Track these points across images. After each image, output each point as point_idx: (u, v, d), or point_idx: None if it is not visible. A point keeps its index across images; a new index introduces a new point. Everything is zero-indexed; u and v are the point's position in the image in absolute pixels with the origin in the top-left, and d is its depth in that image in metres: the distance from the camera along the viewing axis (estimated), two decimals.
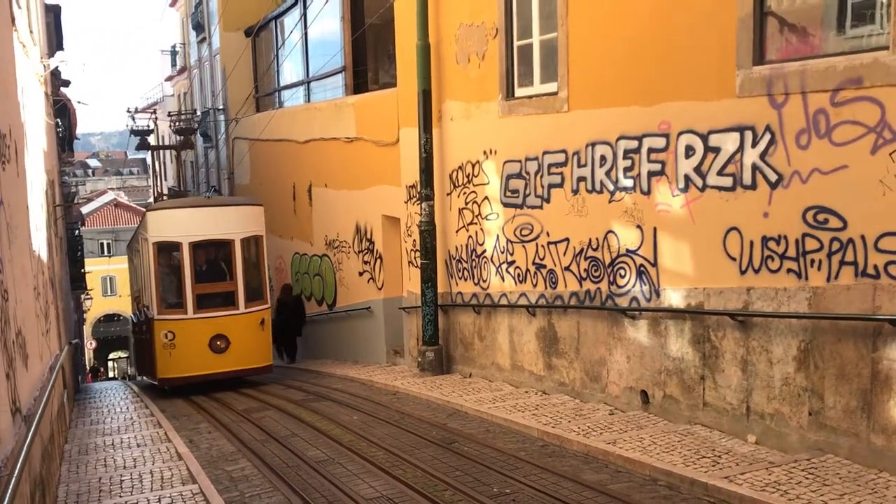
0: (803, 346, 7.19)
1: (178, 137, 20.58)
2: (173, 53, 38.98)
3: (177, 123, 20.87)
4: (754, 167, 7.52)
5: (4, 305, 5.09)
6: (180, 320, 14.19)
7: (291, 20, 20.54)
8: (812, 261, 7.07)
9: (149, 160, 52.25)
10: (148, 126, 21.44)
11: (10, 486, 3.91)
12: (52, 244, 10.96)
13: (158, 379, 14.59)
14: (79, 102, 23.66)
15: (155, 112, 22.26)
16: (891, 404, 6.48)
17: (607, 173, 9.26)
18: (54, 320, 10.22)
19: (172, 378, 14.37)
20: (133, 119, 22.77)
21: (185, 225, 14.37)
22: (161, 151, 24.33)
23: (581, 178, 9.67)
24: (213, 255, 14.72)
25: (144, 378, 18.22)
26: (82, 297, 28.73)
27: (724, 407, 7.99)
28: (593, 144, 9.44)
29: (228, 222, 14.64)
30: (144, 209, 17.20)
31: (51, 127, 13.99)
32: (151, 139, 23.29)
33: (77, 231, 24.65)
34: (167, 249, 14.65)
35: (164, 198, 19.05)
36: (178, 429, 10.57)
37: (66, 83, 19.10)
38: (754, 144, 7.51)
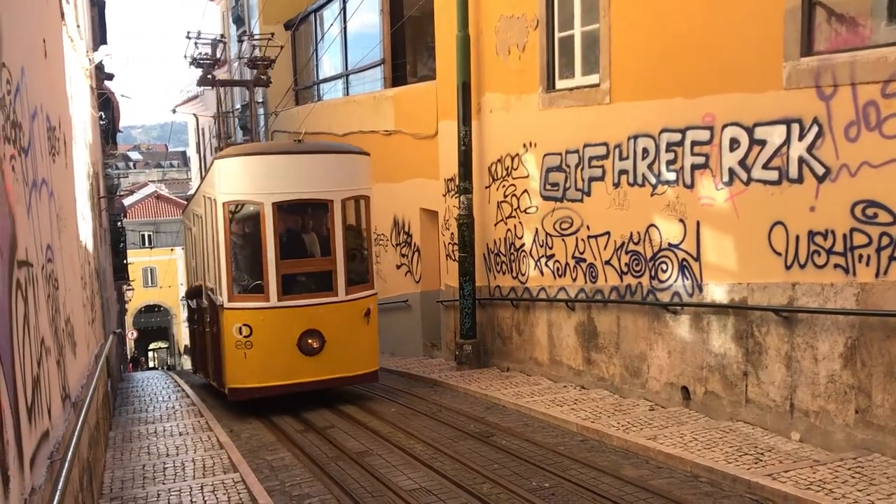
0: (850, 343, 7.06)
1: (251, 71, 15.94)
2: (213, 47, 39.29)
3: (251, 50, 16.49)
4: (801, 160, 7.39)
5: (55, 294, 5.19)
6: (260, 310, 10.20)
7: (331, 13, 20.63)
8: (860, 256, 6.93)
9: (190, 152, 52.77)
10: (211, 56, 15.29)
11: (64, 471, 3.99)
12: (97, 235, 11.15)
13: (229, 389, 10.50)
14: (122, 96, 24.05)
15: (218, 59, 13.25)
16: None
17: (649, 166, 9.16)
18: (99, 310, 10.41)
19: (248, 389, 10.39)
20: (174, 111, 22.87)
21: (269, 178, 10.28)
22: (221, 101, 16.64)
23: (623, 172, 9.58)
24: (305, 221, 11.02)
25: (201, 376, 14.32)
26: (124, 287, 29.21)
27: (767, 404, 7.88)
28: (635, 137, 9.34)
29: (327, 176, 10.56)
30: (213, 157, 11.78)
31: (95, 119, 14.22)
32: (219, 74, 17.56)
33: (119, 222, 25.03)
34: (243, 212, 10.88)
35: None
36: (220, 418, 10.71)
37: (110, 77, 19.38)
38: (801, 137, 7.38)
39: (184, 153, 79.39)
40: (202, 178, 13.24)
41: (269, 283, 10.20)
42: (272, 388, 10.37)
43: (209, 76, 15.01)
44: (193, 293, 13.48)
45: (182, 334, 54.05)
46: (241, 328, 10.18)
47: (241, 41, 25.22)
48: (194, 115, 39.13)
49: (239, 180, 10.33)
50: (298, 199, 10.51)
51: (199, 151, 40.21)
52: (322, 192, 10.53)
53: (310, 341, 10.34)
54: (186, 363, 45.53)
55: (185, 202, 13.02)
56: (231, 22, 31.41)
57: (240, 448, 8.72)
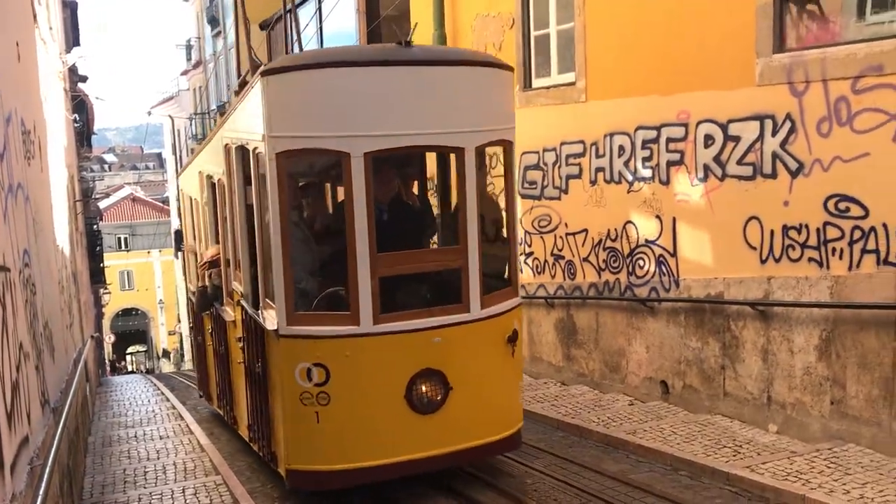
0: (825, 336, 7.17)
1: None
2: (188, 48, 39.16)
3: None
4: (774, 156, 7.49)
5: (33, 299, 5.16)
6: (345, 340, 5.97)
7: (307, 13, 20.58)
8: (833, 249, 7.04)
9: (166, 153, 52.44)
10: None
11: (45, 477, 3.98)
12: (73, 239, 11.08)
13: (288, 472, 6.26)
14: (96, 98, 23.81)
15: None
16: None
17: (626, 163, 9.24)
18: (77, 314, 10.34)
19: (322, 474, 6.18)
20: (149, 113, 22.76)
21: (359, 108, 5.88)
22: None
23: (599, 169, 9.65)
24: (409, 184, 7.60)
25: (216, 407, 10.13)
26: (101, 291, 28.97)
27: (744, 397, 7.98)
28: (611, 135, 9.42)
29: (455, 105, 6.16)
30: (252, 72, 7.05)
31: (69, 122, 14.11)
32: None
33: (95, 226, 24.84)
34: (310, 170, 7.43)
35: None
36: (200, 421, 10.67)
37: (84, 79, 19.25)
38: (774, 133, 7.48)
39: (159, 155, 78.77)
40: (221, 115, 8.83)
41: (358, 293, 5.86)
42: (363, 471, 6.10)
43: None
44: (204, 297, 8.86)
45: (160, 337, 53.75)
46: (310, 371, 5.89)
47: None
48: (170, 116, 38.88)
49: (306, 111, 5.83)
50: (410, 145, 6.15)
51: (174, 153, 39.97)
52: (448, 134, 6.12)
53: (425, 390, 6.07)
54: (165, 366, 45.28)
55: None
56: (206, 22, 31.24)
57: (221, 451, 8.69)
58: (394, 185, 6.91)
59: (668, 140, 8.63)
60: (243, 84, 7.63)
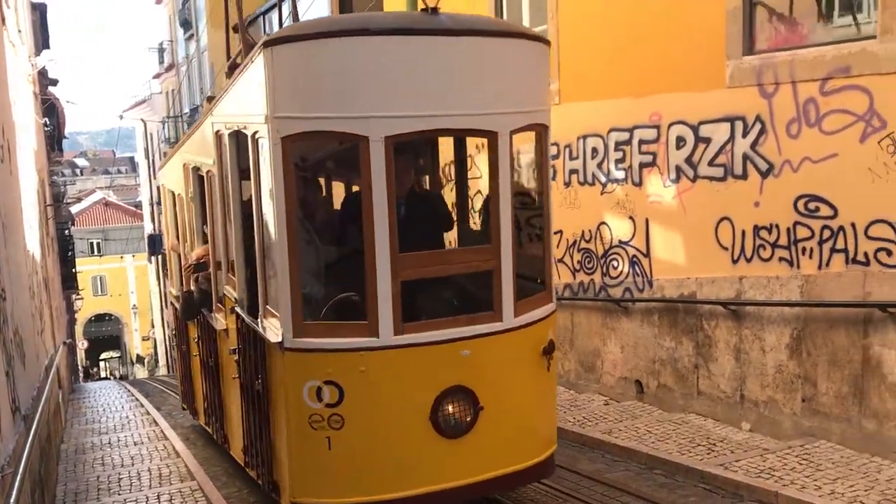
0: (796, 334, 7.27)
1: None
2: (161, 51, 38.88)
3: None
4: (745, 157, 7.58)
5: (2, 305, 5.10)
6: (362, 353, 5.15)
7: (275, 17, 20.51)
8: (803, 249, 7.14)
9: (138, 157, 51.99)
10: None
11: (16, 485, 3.94)
12: (44, 244, 10.96)
13: None
14: (67, 101, 23.59)
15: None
16: (881, 389, 6.56)
17: (599, 165, 9.30)
18: (48, 320, 10.23)
19: None
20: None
21: (377, 85, 4.99)
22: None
23: (573, 171, 9.71)
24: (430, 174, 7.27)
25: (201, 423, 9.53)
26: (73, 296, 28.65)
27: (718, 395, 8.06)
28: (585, 137, 9.48)
29: (487, 83, 5.29)
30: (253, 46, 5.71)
31: (40, 126, 13.96)
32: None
33: (67, 231, 24.57)
34: (321, 157, 6.82)
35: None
36: (175, 426, 10.58)
37: (54, 82, 19.04)
38: (745, 134, 7.57)
39: (132, 159, 78.09)
40: (209, 102, 7.75)
41: (377, 299, 5.04)
42: None
43: None
44: (190, 303, 8.13)
45: (134, 343, 53.25)
46: (320, 390, 5.09)
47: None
48: (142, 120, 38.56)
49: (317, 88, 4.97)
50: (437, 128, 5.47)
51: (147, 157, 39.64)
52: (481, 116, 5.27)
53: (453, 411, 5.26)
54: (139, 372, 44.84)
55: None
56: (178, 25, 31.04)
57: (196, 456, 8.62)
58: (411, 175, 6.17)
59: (641, 142, 8.71)
60: (234, 67, 6.96)
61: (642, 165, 8.72)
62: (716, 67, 7.75)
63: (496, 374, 5.40)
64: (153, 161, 36.63)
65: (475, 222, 7.25)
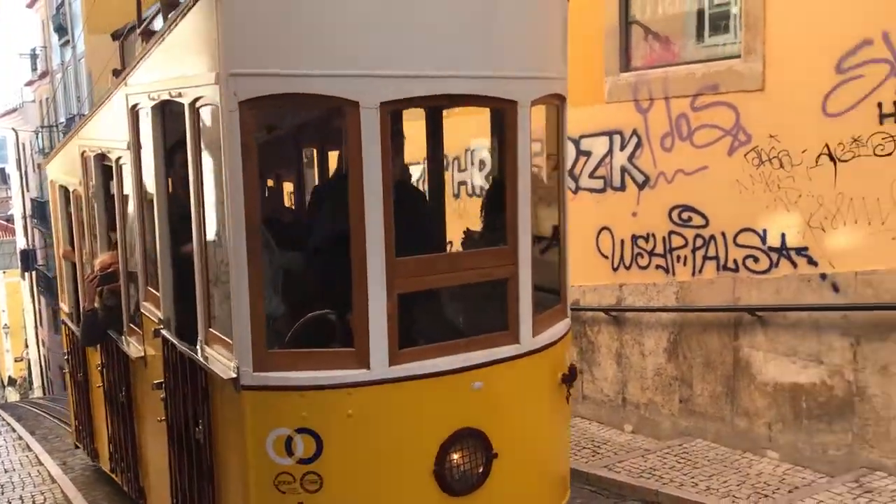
0: (672, 338, 7.60)
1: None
2: (33, 57, 37.07)
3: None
4: (623, 169, 7.89)
5: None
6: (347, 391, 3.78)
7: (160, 24, 19.94)
8: (678, 257, 7.49)
9: (10, 169, 49.37)
10: None
11: None
12: None
13: None
14: None
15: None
16: (751, 389, 6.94)
17: (486, 177, 9.47)
18: None
19: None
20: None
21: (367, 33, 3.63)
22: None
23: (462, 183, 9.85)
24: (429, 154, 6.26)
25: (79, 448, 8.93)
26: None
27: (601, 399, 8.33)
28: (472, 150, 9.63)
29: (503, 38, 4.02)
30: None
31: None
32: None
33: None
34: (288, 130, 5.81)
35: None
36: (52, 451, 10.07)
37: None
38: (622, 147, 7.88)
39: (2, 170, 73.97)
40: (115, 76, 6.17)
41: (367, 318, 3.79)
42: None
43: None
44: (93, 325, 6.75)
45: (5, 364, 50.26)
46: (290, 441, 3.81)
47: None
48: (13, 129, 36.63)
49: (286, 35, 3.65)
50: (446, 93, 4.05)
51: (19, 168, 37.64)
52: (499, 79, 4.07)
53: (461, 461, 4.05)
54: (11, 395, 42.34)
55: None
56: (53, 30, 29.69)
57: (75, 481, 8.24)
58: (402, 159, 4.95)
59: None
60: (148, 33, 5.62)
61: None
62: (595, 83, 8.04)
63: (512, 411, 4.25)
64: (26, 172, 34.83)
65: (465, 217, 6.28)
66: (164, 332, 4.86)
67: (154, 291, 5.18)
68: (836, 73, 6.24)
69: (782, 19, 6.57)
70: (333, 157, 4.81)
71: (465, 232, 5.61)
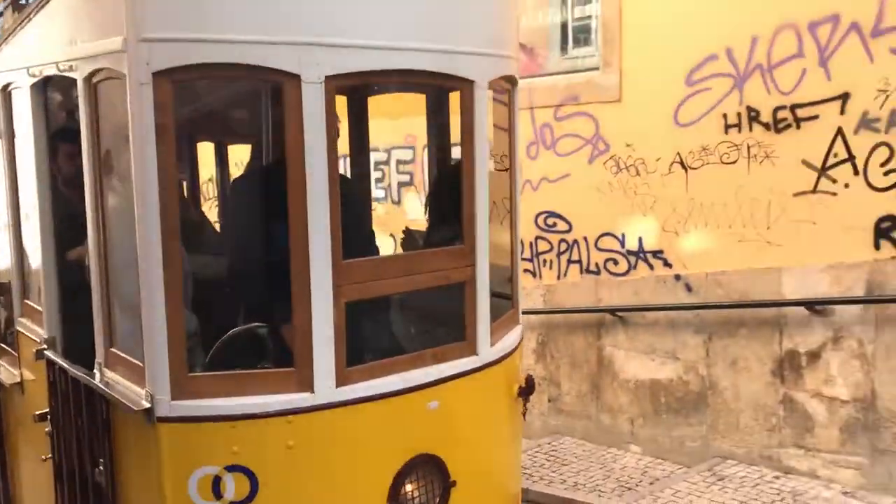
0: (541, 339, 7.85)
1: None
2: None
3: None
4: None
5: None
6: (287, 419, 3.13)
7: None
8: (544, 261, 7.75)
9: None
10: None
11: None
12: None
13: None
14: None
15: None
16: (614, 386, 7.26)
17: (431, 169, 9.52)
18: None
19: None
20: None
21: None
22: None
23: (382, 178, 9.85)
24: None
25: None
26: None
27: None
28: (344, 157, 9.62)
29: (459, 10, 3.49)
30: None
31: None
32: None
33: None
34: (201, 111, 4.69)
35: None
36: None
37: None
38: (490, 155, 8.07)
39: None
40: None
41: (310, 332, 3.13)
42: None
43: None
44: None
45: None
46: (219, 482, 3.12)
47: None
48: None
49: None
50: (397, 68, 3.33)
51: None
52: (456, 55, 3.47)
53: (415, 492, 3.48)
54: None
55: None
56: None
57: None
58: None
59: (398, 162, 9.02)
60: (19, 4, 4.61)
61: (401, 185, 9.03)
62: None
63: (469, 432, 3.74)
64: None
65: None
66: (49, 353, 4.11)
67: (34, 305, 4.47)
68: (686, 86, 6.64)
69: (637, 34, 6.93)
70: (254, 144, 4.26)
71: (404, 231, 5.25)
